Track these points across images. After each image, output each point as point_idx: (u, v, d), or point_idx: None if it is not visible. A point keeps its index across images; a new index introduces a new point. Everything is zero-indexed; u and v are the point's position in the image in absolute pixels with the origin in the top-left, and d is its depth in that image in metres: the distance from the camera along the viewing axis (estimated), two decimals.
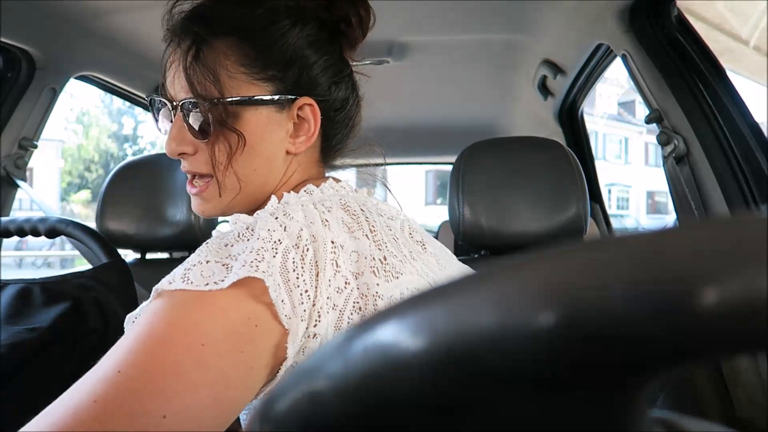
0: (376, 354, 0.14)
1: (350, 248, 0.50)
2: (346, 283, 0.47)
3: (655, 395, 0.87)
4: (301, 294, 0.44)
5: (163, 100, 0.57)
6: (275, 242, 0.45)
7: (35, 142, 1.36)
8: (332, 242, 0.49)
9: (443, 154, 2.69)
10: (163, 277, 0.43)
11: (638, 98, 1.27)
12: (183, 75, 0.54)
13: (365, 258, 0.50)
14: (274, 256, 0.44)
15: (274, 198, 0.54)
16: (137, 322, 0.41)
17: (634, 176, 20.11)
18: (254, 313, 0.42)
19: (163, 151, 0.61)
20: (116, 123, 19.88)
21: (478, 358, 0.13)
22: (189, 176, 0.59)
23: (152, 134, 19.47)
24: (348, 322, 0.47)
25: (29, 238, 0.76)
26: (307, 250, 0.47)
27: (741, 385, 0.84)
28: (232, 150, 0.54)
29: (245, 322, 0.41)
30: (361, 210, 0.55)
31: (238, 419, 0.89)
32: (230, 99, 0.53)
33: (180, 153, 0.56)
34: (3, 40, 1.18)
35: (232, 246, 0.45)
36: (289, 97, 0.56)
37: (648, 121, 1.12)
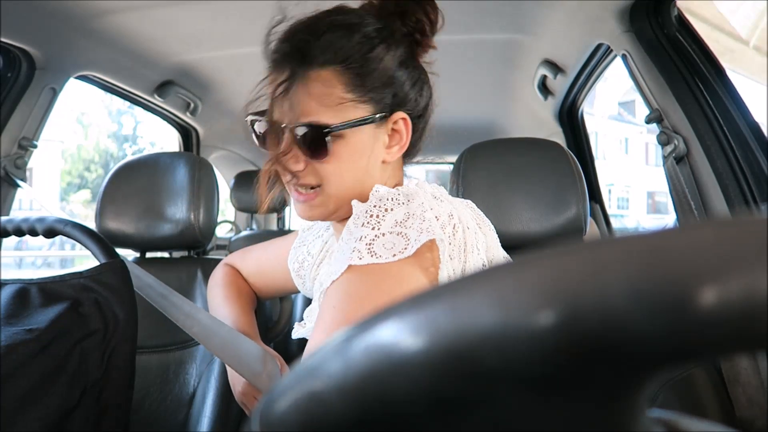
0: (376, 354, 0.14)
1: (482, 238, 0.61)
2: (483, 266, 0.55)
3: (655, 395, 0.86)
4: (453, 269, 0.54)
5: (264, 120, 0.61)
6: (436, 216, 0.55)
7: (35, 142, 1.36)
8: (476, 227, 0.60)
9: (443, 154, 2.68)
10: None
11: (638, 98, 1.27)
12: (292, 102, 0.59)
13: (492, 247, 0.63)
14: (441, 228, 0.54)
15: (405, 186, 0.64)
16: (334, 299, 0.50)
17: (634, 176, 20.09)
18: (430, 268, 0.52)
19: (163, 150, 0.62)
20: (116, 123, 19.86)
21: (479, 358, 0.13)
22: (293, 184, 0.63)
23: (152, 134, 19.47)
24: None
25: (29, 237, 0.76)
26: (457, 229, 0.56)
27: (741, 385, 0.84)
28: (341, 167, 0.61)
29: (429, 277, 0.50)
30: (467, 205, 0.67)
31: (238, 420, 0.89)
32: (337, 125, 0.59)
33: (294, 171, 0.61)
34: (3, 40, 1.18)
35: (392, 210, 0.54)
36: (386, 114, 0.62)
37: (648, 121, 1.12)
